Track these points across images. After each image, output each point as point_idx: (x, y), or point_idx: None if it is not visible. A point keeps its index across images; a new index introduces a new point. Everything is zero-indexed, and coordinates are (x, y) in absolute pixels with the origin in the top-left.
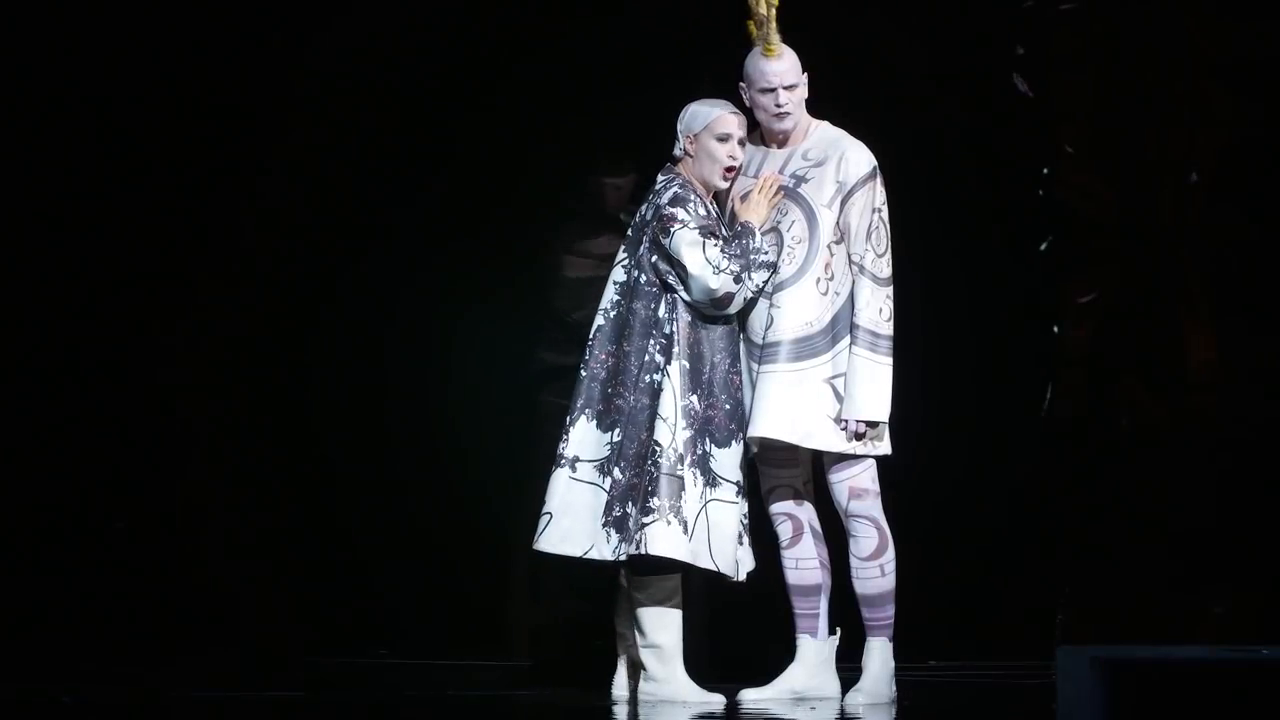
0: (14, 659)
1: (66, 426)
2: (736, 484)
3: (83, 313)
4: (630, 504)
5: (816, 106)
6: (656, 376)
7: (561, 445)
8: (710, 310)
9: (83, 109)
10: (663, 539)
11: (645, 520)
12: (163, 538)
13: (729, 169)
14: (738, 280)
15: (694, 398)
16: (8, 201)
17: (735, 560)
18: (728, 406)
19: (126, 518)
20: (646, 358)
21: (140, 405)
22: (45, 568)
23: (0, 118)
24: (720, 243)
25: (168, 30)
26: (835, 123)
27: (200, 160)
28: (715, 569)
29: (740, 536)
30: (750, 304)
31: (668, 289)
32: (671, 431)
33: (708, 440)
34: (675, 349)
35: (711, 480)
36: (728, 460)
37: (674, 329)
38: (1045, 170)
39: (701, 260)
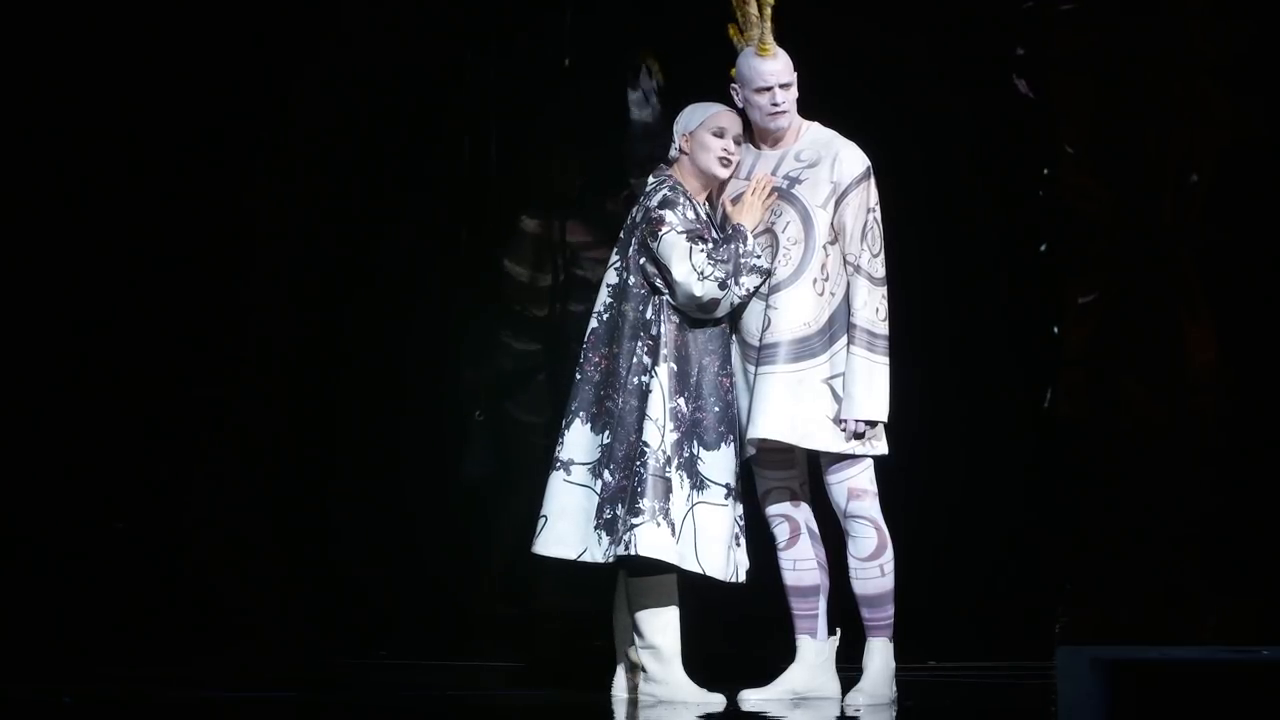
0: (14, 659)
1: (66, 426)
2: (727, 487)
3: (82, 313)
4: (619, 506)
5: (816, 107)
6: (645, 378)
7: (557, 448)
8: (697, 315)
9: (85, 111)
10: (651, 540)
11: (634, 521)
12: (163, 538)
13: (725, 159)
14: (723, 286)
15: (681, 400)
16: (9, 202)
17: (729, 563)
18: (717, 409)
19: (127, 518)
20: (635, 360)
21: (140, 405)
22: (45, 568)
23: (11, 123)
24: (708, 247)
25: (176, 42)
26: (835, 123)
27: (199, 160)
28: (701, 571)
29: (737, 538)
30: (744, 305)
31: (656, 291)
32: (660, 432)
33: (695, 443)
34: (663, 351)
35: (699, 483)
36: (717, 463)
37: (661, 331)
38: (1045, 170)
39: (687, 266)
